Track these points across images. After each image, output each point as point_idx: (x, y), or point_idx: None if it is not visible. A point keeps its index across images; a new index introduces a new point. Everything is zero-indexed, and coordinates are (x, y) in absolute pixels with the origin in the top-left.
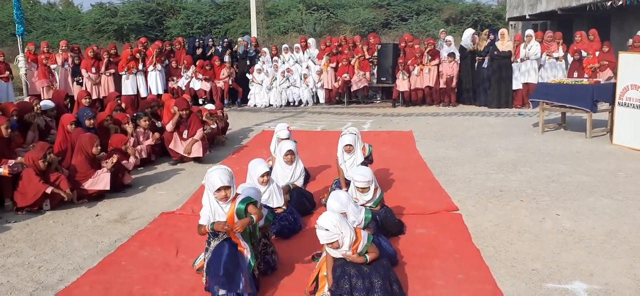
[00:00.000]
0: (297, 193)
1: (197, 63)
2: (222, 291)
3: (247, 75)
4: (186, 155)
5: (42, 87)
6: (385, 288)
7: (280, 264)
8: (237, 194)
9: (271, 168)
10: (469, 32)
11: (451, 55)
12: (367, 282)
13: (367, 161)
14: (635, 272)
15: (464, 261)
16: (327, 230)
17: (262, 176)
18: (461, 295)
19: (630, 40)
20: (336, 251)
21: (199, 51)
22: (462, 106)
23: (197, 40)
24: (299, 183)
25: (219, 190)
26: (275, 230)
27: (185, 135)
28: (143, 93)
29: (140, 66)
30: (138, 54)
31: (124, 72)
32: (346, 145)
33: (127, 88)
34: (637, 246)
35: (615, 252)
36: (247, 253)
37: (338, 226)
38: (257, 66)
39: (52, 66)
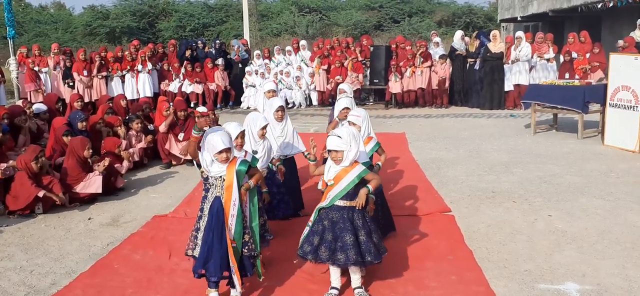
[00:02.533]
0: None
1: (184, 65)
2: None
3: (245, 79)
4: (183, 156)
5: (29, 91)
6: (358, 244)
7: (275, 266)
8: (234, 157)
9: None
10: (459, 34)
11: (443, 57)
12: (339, 242)
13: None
14: (627, 272)
15: (457, 262)
16: (339, 136)
17: (262, 129)
18: None
19: (621, 42)
20: (336, 166)
21: (188, 53)
22: (454, 108)
23: (189, 44)
24: (290, 148)
25: (220, 152)
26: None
27: (180, 137)
28: (130, 96)
29: (125, 71)
30: (119, 53)
31: (108, 73)
32: (343, 108)
33: (113, 90)
34: (628, 247)
35: (607, 253)
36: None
37: (350, 139)
38: (247, 68)
39: (44, 69)
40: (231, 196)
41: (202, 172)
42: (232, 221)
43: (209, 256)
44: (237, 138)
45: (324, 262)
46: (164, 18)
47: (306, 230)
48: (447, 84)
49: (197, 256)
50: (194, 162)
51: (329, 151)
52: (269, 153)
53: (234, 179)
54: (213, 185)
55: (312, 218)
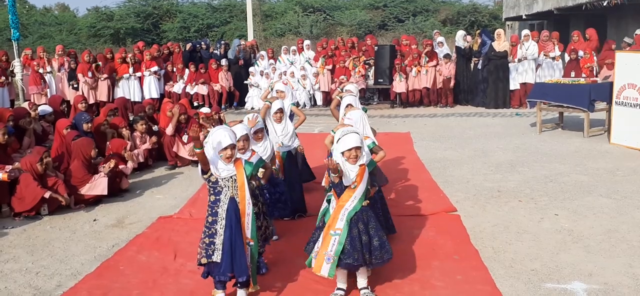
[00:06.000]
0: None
1: (189, 68)
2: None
3: (247, 81)
4: (189, 156)
5: (32, 94)
6: (382, 245)
7: (280, 266)
8: (238, 159)
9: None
10: (461, 34)
11: (447, 56)
12: (377, 241)
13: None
14: (634, 271)
15: (463, 262)
16: (357, 133)
17: (256, 133)
18: (460, 295)
19: (628, 39)
20: (352, 166)
21: (189, 46)
22: (459, 107)
23: (190, 44)
24: (287, 141)
25: (225, 148)
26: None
27: (185, 139)
28: (137, 98)
29: (131, 70)
30: (128, 59)
31: (113, 75)
32: (347, 106)
33: (118, 92)
34: (635, 245)
35: (614, 251)
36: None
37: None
38: (251, 69)
39: (48, 69)
40: (245, 195)
41: (209, 176)
42: (248, 219)
43: (234, 257)
44: (239, 140)
45: (374, 266)
46: (168, 19)
47: (336, 240)
48: (452, 83)
49: (216, 261)
50: (199, 169)
51: (349, 150)
52: (269, 153)
53: (244, 178)
54: (225, 186)
55: (341, 227)
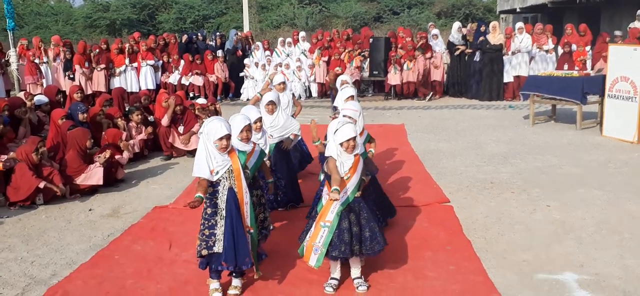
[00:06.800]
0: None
1: (184, 59)
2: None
3: (243, 73)
4: (184, 147)
5: (28, 84)
6: (372, 236)
7: (274, 257)
8: (232, 149)
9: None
10: (456, 26)
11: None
12: (367, 232)
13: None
14: (625, 262)
15: (456, 252)
16: (352, 124)
17: (255, 122)
18: (453, 286)
19: (618, 32)
20: (347, 157)
21: (185, 38)
22: (453, 99)
23: (186, 35)
24: (277, 133)
25: (221, 138)
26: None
27: (180, 130)
28: (134, 88)
29: (127, 61)
30: (126, 49)
31: (110, 66)
32: (349, 97)
33: (115, 83)
34: (626, 237)
35: (606, 243)
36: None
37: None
38: (247, 60)
39: (43, 59)
40: (242, 184)
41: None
42: (246, 208)
43: (237, 246)
44: (242, 131)
45: (363, 255)
46: (164, 10)
47: (325, 232)
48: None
49: (219, 251)
50: (194, 166)
51: (348, 141)
52: (267, 144)
53: (240, 167)
54: (222, 178)
55: (330, 219)
